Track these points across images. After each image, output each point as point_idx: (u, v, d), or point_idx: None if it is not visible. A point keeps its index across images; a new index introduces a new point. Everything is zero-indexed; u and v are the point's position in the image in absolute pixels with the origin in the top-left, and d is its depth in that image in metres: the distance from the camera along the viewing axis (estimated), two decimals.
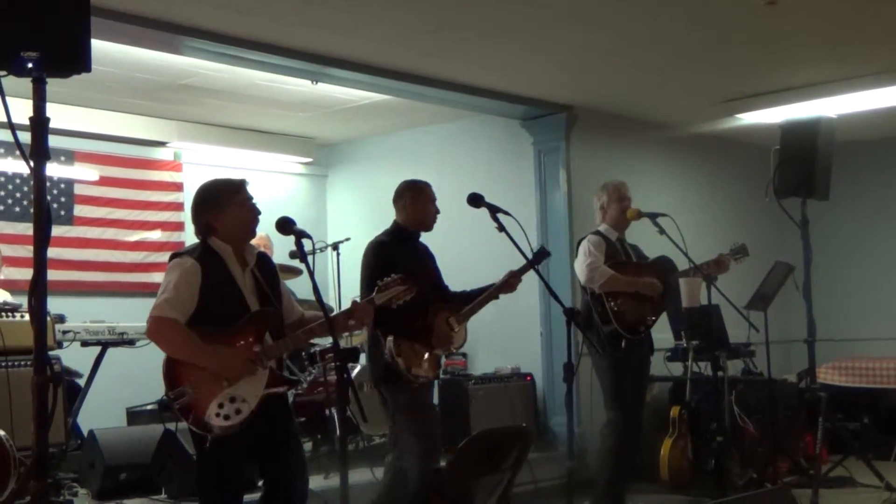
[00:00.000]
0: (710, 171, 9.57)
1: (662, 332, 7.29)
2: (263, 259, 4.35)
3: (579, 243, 6.26)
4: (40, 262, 2.89)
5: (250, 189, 4.28)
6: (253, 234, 4.29)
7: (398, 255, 5.11)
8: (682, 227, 5.94)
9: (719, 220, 9.20)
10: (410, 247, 5.31)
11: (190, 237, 8.25)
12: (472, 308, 5.31)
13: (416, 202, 5.28)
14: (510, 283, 5.31)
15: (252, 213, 4.24)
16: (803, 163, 6.76)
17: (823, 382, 8.18)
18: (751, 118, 8.61)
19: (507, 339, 8.13)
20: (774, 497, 3.90)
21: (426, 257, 5.41)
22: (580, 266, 6.12)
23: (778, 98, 7.94)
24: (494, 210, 4.88)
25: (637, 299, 6.05)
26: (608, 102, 8.19)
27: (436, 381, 5.72)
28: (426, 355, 5.09)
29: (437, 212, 5.34)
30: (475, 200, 5.02)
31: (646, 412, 6.56)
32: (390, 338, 4.98)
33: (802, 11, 6.02)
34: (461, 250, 7.51)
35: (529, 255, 4.98)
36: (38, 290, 2.88)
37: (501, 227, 4.80)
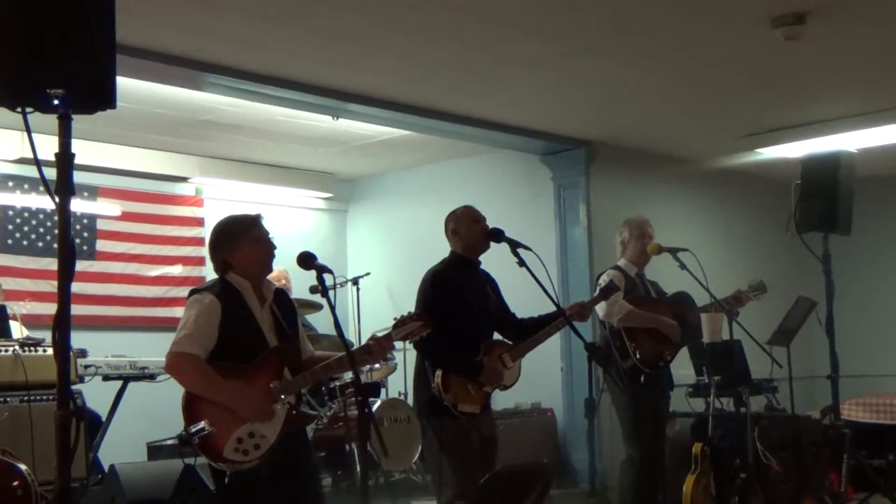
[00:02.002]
0: (731, 205, 9.54)
1: (684, 368, 7.24)
2: (281, 295, 4.35)
3: (598, 278, 6.25)
4: (64, 297, 2.91)
5: (267, 223, 4.29)
6: (269, 270, 4.29)
7: (454, 283, 5.07)
8: (702, 261, 5.91)
9: (740, 255, 9.17)
10: (467, 274, 5.19)
11: (211, 272, 8.24)
12: (530, 344, 5.16)
13: (459, 227, 5.22)
14: (582, 312, 5.21)
15: (267, 249, 4.24)
16: (824, 197, 6.73)
17: (848, 419, 8.09)
18: (771, 153, 8.60)
19: (528, 374, 7.99)
20: None
21: (485, 284, 5.27)
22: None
23: (798, 133, 7.93)
24: (515, 245, 4.86)
25: (656, 334, 6.03)
26: (628, 137, 8.20)
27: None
28: (475, 391, 5.00)
29: (486, 229, 5.17)
30: (496, 235, 5.01)
31: (668, 448, 6.51)
32: (439, 371, 4.89)
33: (823, 47, 6.02)
34: None
35: (550, 291, 4.93)
36: (61, 324, 2.89)
37: (522, 262, 4.79)
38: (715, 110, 7.46)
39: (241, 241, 4.19)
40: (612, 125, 7.82)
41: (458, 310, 4.97)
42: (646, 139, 8.27)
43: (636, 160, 8.51)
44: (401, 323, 4.25)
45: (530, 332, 5.18)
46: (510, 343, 5.17)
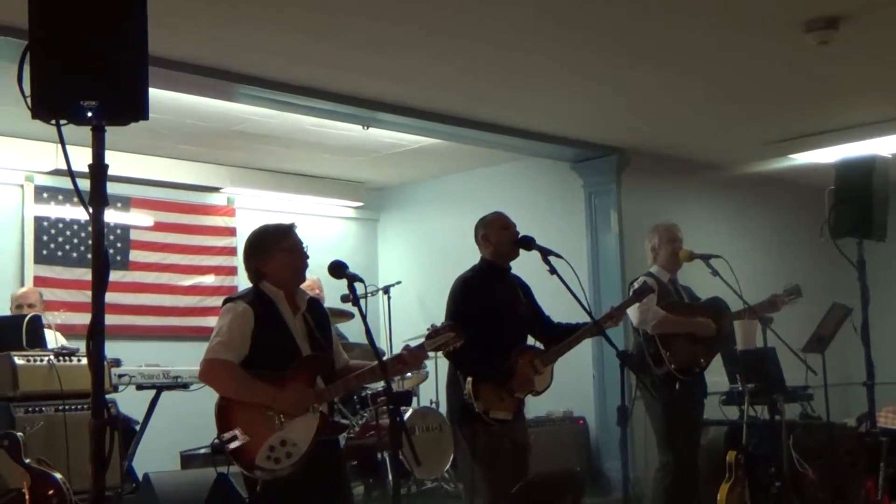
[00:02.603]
0: (764, 211, 9.48)
1: (717, 376, 7.19)
2: (314, 304, 4.36)
3: (631, 285, 6.22)
4: (98, 307, 2.92)
5: (300, 232, 4.30)
6: (303, 279, 4.30)
7: (484, 290, 5.06)
8: (735, 268, 5.87)
9: (773, 262, 9.10)
10: (497, 280, 5.17)
11: (243, 282, 8.29)
12: (561, 349, 5.10)
13: (489, 233, 5.20)
14: (615, 316, 5.18)
15: (300, 258, 4.26)
16: (859, 203, 6.65)
17: (884, 426, 7.98)
18: (804, 158, 8.53)
19: (560, 382, 7.94)
20: None
21: (518, 291, 5.23)
22: (633, 308, 6.07)
23: (831, 138, 7.87)
24: (546, 253, 4.84)
25: (690, 341, 5.99)
26: (659, 144, 8.17)
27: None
28: (506, 398, 4.97)
29: (516, 236, 5.13)
30: (526, 243, 4.99)
31: (702, 456, 6.46)
32: (469, 379, 4.86)
33: (855, 51, 5.98)
34: None
35: (581, 298, 4.90)
36: (96, 334, 2.91)
37: (553, 270, 4.77)
38: (747, 116, 7.41)
39: (274, 250, 4.21)
40: (643, 132, 7.79)
41: (487, 316, 4.95)
42: (677, 146, 8.24)
43: (668, 167, 8.47)
44: (434, 333, 4.24)
45: (563, 337, 5.16)
46: (541, 348, 5.14)
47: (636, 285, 6.09)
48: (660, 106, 7.10)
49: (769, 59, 6.14)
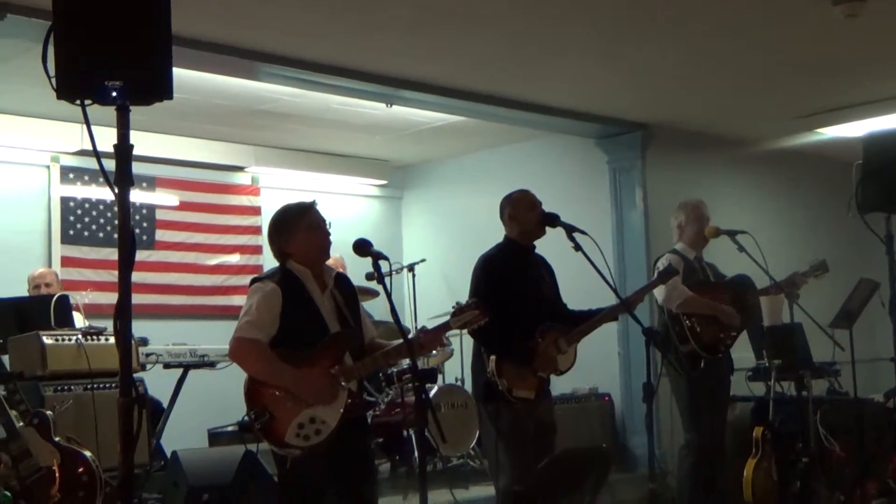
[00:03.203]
0: (790, 186, 9.40)
1: (744, 352, 7.16)
2: (342, 280, 4.38)
3: (656, 263, 6.19)
4: (125, 286, 2.94)
5: (321, 209, 4.31)
6: (327, 255, 4.31)
7: (508, 269, 5.05)
8: (761, 244, 5.83)
9: (800, 237, 9.03)
10: (522, 260, 5.16)
11: (268, 261, 8.32)
12: (585, 329, 5.12)
13: (516, 212, 5.18)
14: (633, 301, 5.16)
15: (322, 234, 4.27)
16: (887, 177, 6.59)
17: None
18: (831, 132, 8.46)
19: (585, 359, 7.97)
20: None
21: (542, 270, 5.23)
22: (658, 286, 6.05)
23: (859, 111, 7.79)
24: (571, 229, 4.82)
25: (716, 319, 5.96)
26: (684, 120, 8.11)
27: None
28: (530, 376, 4.98)
29: (542, 215, 5.13)
30: (551, 220, 4.97)
31: (728, 433, 6.45)
32: (493, 357, 4.86)
33: (884, 23, 5.90)
34: None
35: (606, 275, 4.88)
36: (123, 313, 2.93)
37: (578, 247, 4.75)
38: (774, 90, 7.34)
39: (296, 229, 4.22)
40: (668, 108, 7.74)
41: (510, 295, 4.95)
42: (703, 121, 8.18)
43: (693, 143, 8.41)
44: (459, 311, 4.24)
45: (581, 319, 5.14)
46: (565, 328, 5.13)
47: (661, 263, 6.07)
48: (685, 81, 7.04)
49: (796, 32, 6.08)
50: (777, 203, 9.23)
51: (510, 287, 4.98)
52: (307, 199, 4.39)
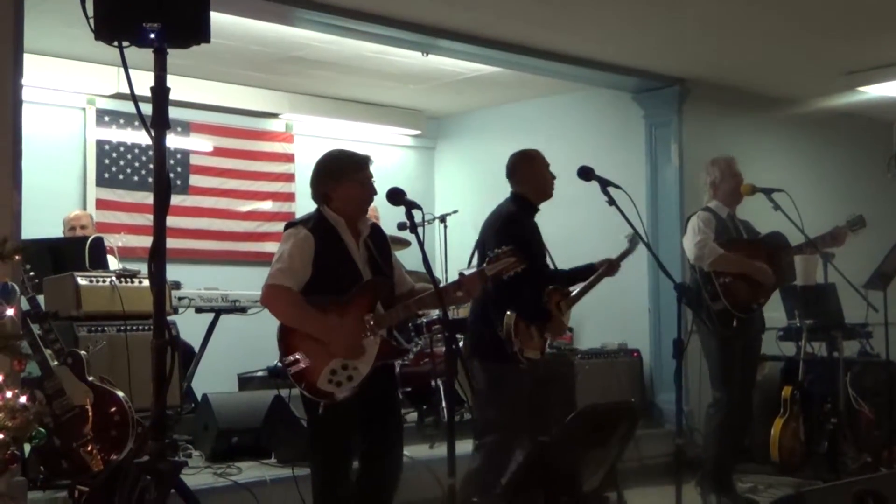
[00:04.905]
0: (828, 145, 9.28)
1: (775, 311, 7.12)
2: (376, 230, 4.38)
3: (689, 220, 6.15)
4: (160, 230, 2.96)
5: (372, 168, 4.31)
6: (365, 212, 4.33)
7: (526, 228, 5.05)
8: (797, 202, 5.77)
9: (836, 197, 8.92)
10: (532, 218, 5.17)
11: (301, 208, 8.36)
12: (581, 293, 5.20)
13: (534, 170, 5.18)
14: (611, 269, 5.25)
15: (368, 193, 4.28)
16: None
17: None
18: (873, 91, 8.32)
19: (615, 315, 8.05)
20: (890, 481, 3.77)
21: (539, 232, 5.25)
22: (689, 243, 6.01)
23: None
24: (605, 184, 4.79)
25: (748, 277, 5.92)
26: (722, 75, 8.00)
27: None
28: (537, 338, 4.97)
29: (554, 177, 5.18)
30: (586, 174, 4.93)
31: (757, 392, 6.43)
32: (512, 315, 4.81)
33: None
34: (570, 224, 7.46)
35: (641, 230, 4.87)
36: (157, 256, 2.95)
37: (612, 201, 4.73)
38: (814, 47, 7.22)
39: (346, 178, 4.23)
40: (706, 62, 7.63)
41: (531, 255, 4.90)
42: (741, 77, 8.06)
43: (730, 99, 8.31)
44: (494, 258, 4.21)
45: (562, 282, 5.17)
46: (565, 290, 5.15)
47: (693, 220, 6.03)
48: (724, 36, 6.93)
49: None
50: (814, 162, 9.12)
51: (530, 247, 4.91)
52: (343, 146, 4.40)
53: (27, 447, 4.20)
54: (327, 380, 4.00)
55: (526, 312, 4.87)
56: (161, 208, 2.97)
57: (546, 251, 5.19)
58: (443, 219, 8.07)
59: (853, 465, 6.72)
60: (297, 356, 4.02)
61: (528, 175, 5.16)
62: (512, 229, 4.94)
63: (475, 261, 4.90)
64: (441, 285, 4.21)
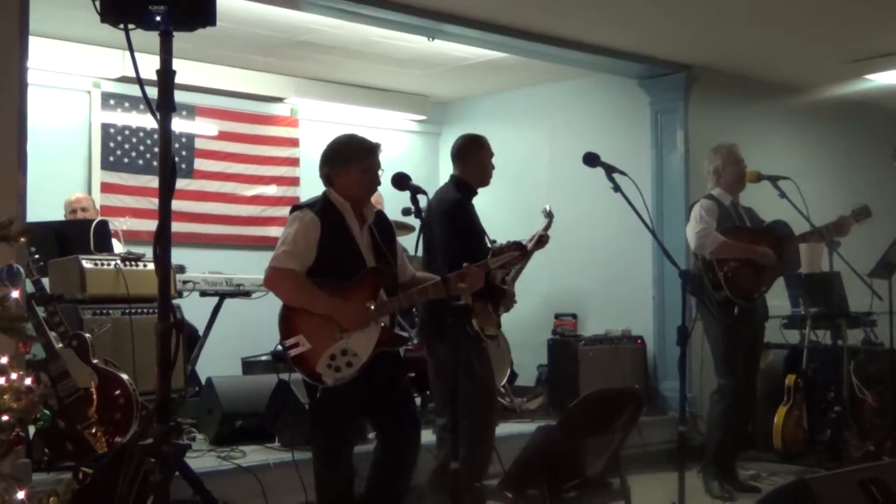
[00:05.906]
0: (834, 133, 9.26)
1: (779, 299, 7.12)
2: (381, 217, 4.39)
3: (691, 208, 6.14)
4: (165, 213, 2.96)
5: (381, 157, 4.32)
6: (367, 200, 4.34)
7: (471, 210, 5.13)
8: (802, 190, 5.76)
9: (842, 185, 8.91)
10: (472, 205, 5.22)
11: (305, 193, 8.35)
12: (520, 270, 5.49)
13: (481, 156, 5.25)
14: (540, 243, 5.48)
15: (372, 181, 4.28)
16: None
17: None
18: (880, 79, 8.29)
19: (619, 302, 8.05)
20: (893, 470, 3.77)
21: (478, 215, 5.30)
22: (691, 232, 6.01)
23: None
24: (610, 170, 4.77)
25: (750, 265, 5.92)
26: (729, 62, 7.98)
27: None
28: (493, 314, 5.04)
29: (493, 167, 5.28)
30: (591, 160, 4.91)
31: (760, 380, 6.44)
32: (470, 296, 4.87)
33: None
34: (574, 209, 7.44)
35: (644, 216, 4.86)
36: (162, 239, 2.95)
37: (617, 188, 4.71)
38: (822, 35, 7.19)
39: (351, 165, 4.24)
40: (713, 49, 7.61)
41: (476, 237, 5.02)
42: (748, 64, 8.04)
43: (737, 86, 8.28)
44: (499, 251, 4.26)
45: None
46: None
47: (695, 208, 6.03)
48: (731, 22, 6.91)
49: None
50: (819, 150, 9.10)
51: (479, 234, 5.05)
52: (347, 131, 4.40)
53: (32, 429, 4.21)
54: (326, 364, 4.02)
55: (481, 292, 4.86)
56: (166, 192, 2.97)
57: (485, 233, 5.23)
58: None
59: (856, 454, 6.73)
60: (298, 340, 4.03)
61: (476, 160, 5.22)
62: (461, 217, 5.04)
63: (421, 244, 4.86)
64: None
